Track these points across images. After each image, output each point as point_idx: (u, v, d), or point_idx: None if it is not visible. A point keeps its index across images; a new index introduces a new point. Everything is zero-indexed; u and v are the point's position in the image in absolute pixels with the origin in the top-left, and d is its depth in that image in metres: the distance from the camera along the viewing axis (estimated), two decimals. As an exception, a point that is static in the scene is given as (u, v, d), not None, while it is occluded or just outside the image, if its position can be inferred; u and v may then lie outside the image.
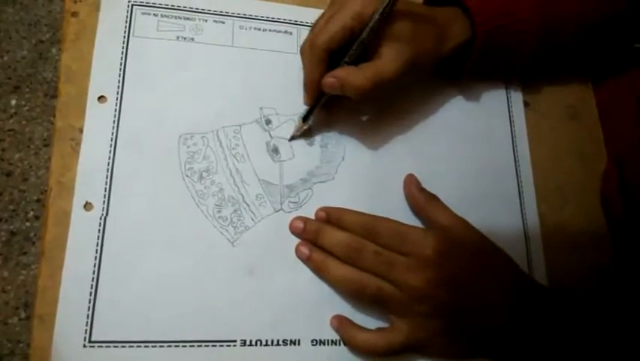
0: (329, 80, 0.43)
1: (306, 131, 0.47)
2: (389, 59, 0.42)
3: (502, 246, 0.44)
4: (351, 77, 0.42)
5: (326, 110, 0.47)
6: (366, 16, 0.42)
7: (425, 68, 0.46)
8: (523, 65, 0.50)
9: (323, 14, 0.45)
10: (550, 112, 0.54)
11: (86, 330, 0.39)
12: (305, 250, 0.43)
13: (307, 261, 0.43)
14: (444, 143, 0.50)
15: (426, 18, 0.44)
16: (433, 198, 0.46)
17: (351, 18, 0.42)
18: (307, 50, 0.44)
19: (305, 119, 0.46)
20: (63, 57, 0.45)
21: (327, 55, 0.43)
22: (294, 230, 0.44)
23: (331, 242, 0.43)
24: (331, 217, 0.44)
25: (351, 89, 0.42)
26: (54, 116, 0.44)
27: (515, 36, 0.47)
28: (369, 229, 0.43)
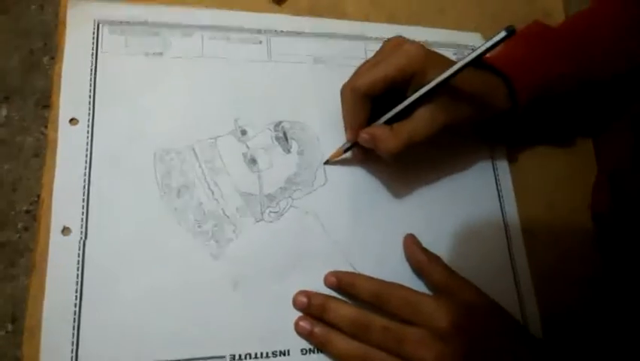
0: (364, 136, 0.44)
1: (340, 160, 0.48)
2: (423, 124, 0.43)
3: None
4: (384, 139, 0.43)
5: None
6: (408, 72, 0.42)
7: (460, 132, 0.47)
8: (560, 117, 0.51)
9: (369, 59, 0.45)
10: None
11: (72, 357, 0.38)
12: (306, 326, 0.42)
13: (309, 336, 0.42)
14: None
15: (468, 86, 0.44)
16: (434, 258, 0.46)
17: (395, 69, 0.42)
18: (348, 93, 0.44)
19: (347, 150, 0.47)
20: (56, 68, 0.45)
21: (367, 99, 0.44)
22: (298, 305, 0.43)
23: (337, 318, 0.42)
24: (342, 282, 0.44)
25: (383, 151, 0.43)
26: (45, 126, 0.44)
27: (555, 99, 0.48)
28: (380, 296, 0.42)
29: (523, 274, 0.49)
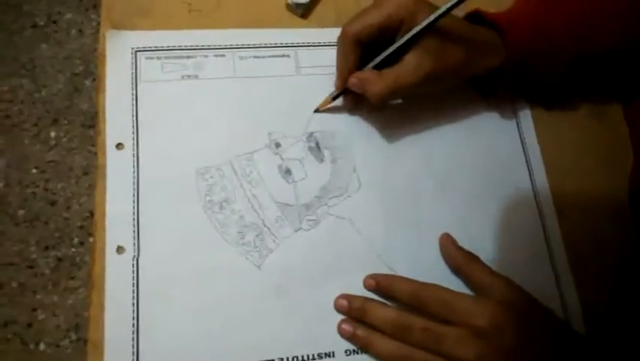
0: (353, 80, 0.46)
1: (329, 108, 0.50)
2: (410, 69, 0.44)
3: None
4: (372, 81, 0.45)
5: (355, 94, 0.48)
6: (395, 19, 0.44)
7: (453, 82, 0.48)
8: (556, 85, 0.51)
9: (362, 9, 0.47)
10: (572, 111, 0.55)
11: (133, 367, 0.41)
12: (348, 328, 0.44)
13: (352, 338, 0.44)
14: (453, 144, 0.51)
15: (458, 35, 0.45)
16: (472, 257, 0.46)
17: (382, 16, 0.44)
18: (340, 38, 0.47)
19: (335, 98, 0.49)
20: (99, 97, 0.48)
21: (357, 45, 0.46)
22: (339, 308, 0.44)
23: (377, 320, 0.43)
24: (380, 285, 0.45)
25: (370, 94, 0.45)
26: (92, 145, 0.47)
27: (549, 61, 0.48)
28: (418, 297, 0.43)
29: (561, 266, 0.49)
